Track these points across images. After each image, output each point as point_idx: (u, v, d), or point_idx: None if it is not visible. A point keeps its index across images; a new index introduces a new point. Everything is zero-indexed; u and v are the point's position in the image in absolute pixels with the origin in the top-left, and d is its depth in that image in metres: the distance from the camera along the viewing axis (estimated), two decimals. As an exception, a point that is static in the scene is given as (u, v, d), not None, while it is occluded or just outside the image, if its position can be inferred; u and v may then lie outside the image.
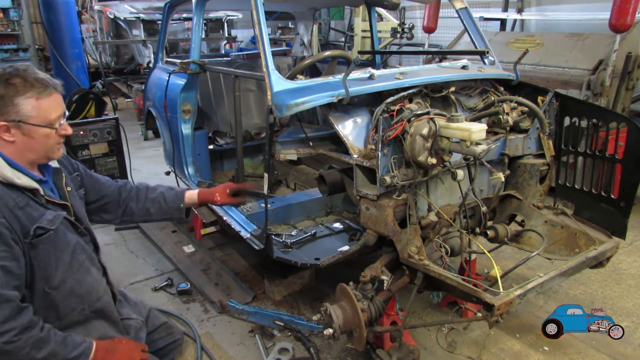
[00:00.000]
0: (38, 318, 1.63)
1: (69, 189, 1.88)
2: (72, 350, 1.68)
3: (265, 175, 2.61)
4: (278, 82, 2.38)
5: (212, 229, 3.89)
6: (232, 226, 2.91)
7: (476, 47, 3.13)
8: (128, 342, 1.89)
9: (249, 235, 2.78)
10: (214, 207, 3.22)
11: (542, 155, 2.68)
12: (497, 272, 2.03)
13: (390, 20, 8.50)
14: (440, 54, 5.10)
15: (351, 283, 2.21)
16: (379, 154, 2.09)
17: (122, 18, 7.60)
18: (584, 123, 2.60)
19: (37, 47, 10.10)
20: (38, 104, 1.64)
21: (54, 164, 1.88)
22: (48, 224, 1.68)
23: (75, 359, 1.68)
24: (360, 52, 6.13)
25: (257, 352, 2.62)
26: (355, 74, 2.47)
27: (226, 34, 8.49)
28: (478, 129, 1.95)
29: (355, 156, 2.27)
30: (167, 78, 3.56)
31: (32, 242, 1.64)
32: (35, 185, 1.69)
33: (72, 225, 1.83)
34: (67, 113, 1.79)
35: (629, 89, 4.42)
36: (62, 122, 1.73)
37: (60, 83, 1.75)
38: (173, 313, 2.92)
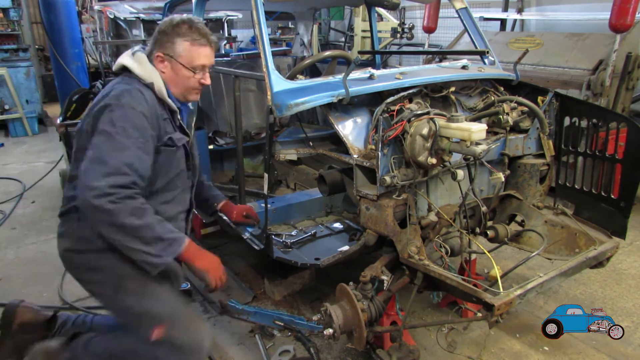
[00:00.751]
0: (140, 194, 1.81)
1: (193, 127, 2.24)
2: (169, 233, 1.84)
3: (265, 175, 2.61)
4: (278, 82, 2.38)
5: (212, 229, 3.88)
6: (232, 226, 2.91)
7: (476, 47, 3.13)
8: (213, 255, 2.05)
9: (249, 235, 2.78)
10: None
11: (542, 155, 2.68)
12: (497, 272, 2.03)
13: (390, 20, 8.50)
14: (440, 54, 5.10)
15: (351, 283, 2.21)
16: (379, 154, 2.09)
17: (122, 18, 7.58)
18: (584, 123, 2.60)
19: (37, 47, 10.12)
20: (190, 48, 1.96)
21: (191, 105, 2.21)
22: (177, 141, 2.01)
23: (169, 240, 1.83)
24: (360, 52, 6.12)
25: (257, 352, 2.62)
26: (355, 74, 2.47)
27: (226, 34, 8.48)
28: (478, 129, 1.95)
29: (355, 156, 2.27)
30: (167, 78, 3.55)
31: (159, 147, 1.93)
32: (176, 108, 2.04)
33: (186, 155, 2.10)
34: (213, 66, 2.10)
35: (629, 89, 4.42)
36: (205, 72, 2.03)
37: (217, 42, 2.08)
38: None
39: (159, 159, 1.95)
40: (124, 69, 2.00)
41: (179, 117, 2.08)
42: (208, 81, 2.06)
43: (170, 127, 2.01)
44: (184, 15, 2.00)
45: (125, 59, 2.01)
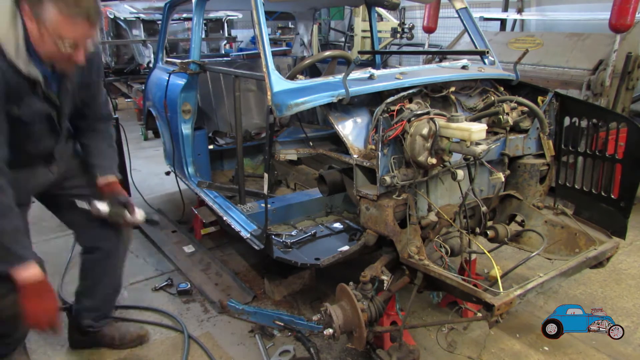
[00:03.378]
0: (7, 183, 1.62)
1: (70, 89, 1.88)
2: (17, 248, 1.64)
3: (265, 175, 2.61)
4: (278, 82, 2.38)
5: (212, 229, 3.89)
6: (232, 226, 2.92)
7: (476, 47, 3.13)
8: (53, 295, 1.80)
9: (249, 235, 2.78)
10: (214, 207, 3.22)
11: (542, 155, 2.68)
12: (497, 272, 2.03)
13: (390, 20, 8.50)
14: (440, 54, 5.10)
15: (351, 283, 2.21)
16: (379, 154, 2.09)
17: (122, 18, 7.60)
18: (584, 123, 2.60)
19: (37, 47, 10.10)
20: (58, 18, 1.59)
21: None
22: (24, 112, 1.71)
23: (13, 255, 1.63)
24: (360, 52, 6.13)
25: (257, 352, 2.62)
26: (355, 74, 2.47)
27: (226, 34, 8.48)
28: (478, 129, 1.95)
29: (355, 156, 2.27)
30: (167, 78, 3.56)
31: (8, 114, 1.67)
32: (36, 75, 1.69)
33: (51, 124, 1.86)
34: (95, 43, 1.79)
35: (629, 89, 4.42)
36: (79, 49, 1.68)
37: (100, 15, 1.72)
38: (167, 312, 2.93)
39: (9, 128, 1.69)
40: None
41: (42, 86, 1.74)
42: (80, 59, 1.70)
43: (25, 92, 1.70)
44: None
45: None
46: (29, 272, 1.66)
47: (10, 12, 1.60)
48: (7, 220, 1.61)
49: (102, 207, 2.14)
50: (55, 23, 1.60)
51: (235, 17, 8.66)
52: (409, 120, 2.09)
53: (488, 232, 2.57)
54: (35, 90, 1.72)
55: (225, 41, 8.49)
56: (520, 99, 2.58)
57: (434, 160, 2.07)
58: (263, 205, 2.66)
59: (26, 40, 1.64)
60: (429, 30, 5.88)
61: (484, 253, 2.23)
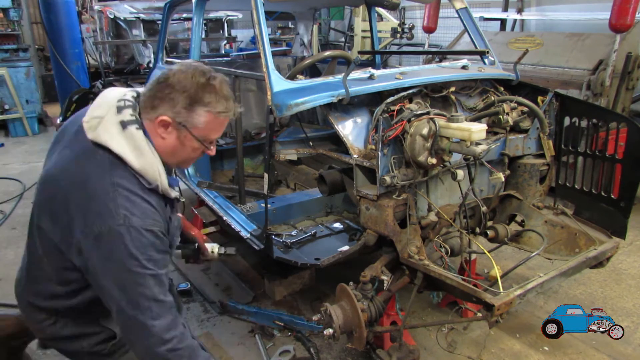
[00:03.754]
0: (184, 326, 1.58)
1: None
2: None
3: (265, 175, 2.61)
4: (278, 82, 2.38)
5: (212, 229, 3.88)
6: (232, 226, 2.91)
7: (476, 47, 3.13)
8: None
9: (248, 235, 2.78)
10: (214, 207, 3.22)
11: (542, 155, 2.68)
12: (497, 272, 2.03)
13: (390, 20, 8.49)
14: (440, 54, 5.10)
15: (351, 283, 2.21)
16: (379, 154, 2.09)
17: (122, 18, 7.58)
18: (584, 123, 2.60)
19: (37, 47, 10.11)
20: (212, 121, 1.53)
21: None
22: (176, 234, 1.70)
23: None
24: (360, 52, 6.13)
25: (257, 352, 2.62)
26: (355, 74, 2.47)
27: (226, 34, 8.48)
28: (478, 129, 1.95)
29: (355, 156, 2.27)
30: (167, 78, 3.54)
31: None
32: (178, 194, 1.63)
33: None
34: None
35: (629, 89, 4.42)
36: (213, 143, 1.63)
37: (239, 107, 1.64)
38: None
39: None
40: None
41: (180, 200, 1.70)
42: (213, 152, 1.66)
43: (169, 216, 1.64)
44: (212, 72, 1.53)
45: (112, 138, 1.47)
46: None
47: (149, 146, 1.51)
48: (199, 354, 1.58)
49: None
50: (208, 125, 1.53)
51: (235, 17, 8.65)
52: (409, 120, 2.09)
53: (488, 232, 2.57)
54: (172, 206, 1.65)
55: (225, 41, 8.48)
56: (520, 99, 2.58)
57: (434, 160, 2.07)
58: (263, 205, 2.66)
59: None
60: (429, 30, 5.88)
61: (484, 253, 2.23)
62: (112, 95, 1.56)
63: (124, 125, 1.48)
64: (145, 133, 1.51)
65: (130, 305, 1.45)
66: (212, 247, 2.32)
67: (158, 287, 1.48)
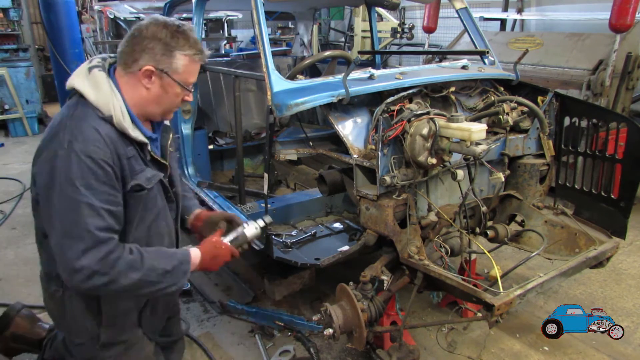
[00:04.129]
0: (123, 247, 1.59)
1: (171, 149, 1.89)
2: (171, 261, 1.68)
3: (265, 175, 2.61)
4: (278, 82, 2.38)
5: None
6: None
7: (476, 47, 3.13)
8: (224, 245, 1.93)
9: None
10: (214, 207, 3.21)
11: (542, 155, 2.68)
12: (497, 272, 2.03)
13: (390, 20, 8.49)
14: (440, 54, 5.10)
15: (351, 283, 2.21)
16: (379, 154, 2.09)
17: (122, 18, 7.59)
18: (584, 123, 2.60)
19: (37, 47, 10.11)
20: (189, 64, 1.66)
21: (166, 122, 1.88)
22: (145, 182, 1.68)
23: (175, 268, 1.68)
24: (360, 52, 6.13)
25: (257, 352, 2.62)
26: (355, 74, 2.47)
27: (226, 34, 8.48)
28: (478, 129, 1.95)
29: (355, 156, 2.27)
30: (167, 78, 3.55)
31: (126, 194, 1.63)
32: (144, 140, 1.69)
33: (163, 188, 1.81)
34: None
35: (629, 89, 4.42)
36: (191, 89, 1.74)
37: (208, 53, 1.77)
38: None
39: (129, 208, 1.66)
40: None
41: (149, 148, 1.72)
42: (191, 98, 1.79)
43: (139, 165, 1.68)
44: (176, 21, 1.67)
45: (77, 79, 1.63)
46: (194, 259, 1.78)
47: (108, 83, 1.63)
48: (144, 261, 1.62)
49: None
50: (187, 68, 1.67)
51: (235, 17, 8.65)
52: (409, 120, 2.09)
53: (488, 232, 2.57)
54: (143, 154, 1.71)
55: (225, 41, 8.48)
56: (520, 99, 2.58)
57: (434, 160, 2.07)
58: (263, 205, 2.66)
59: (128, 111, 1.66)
60: (429, 30, 5.88)
61: (484, 253, 2.23)
62: (82, 66, 1.71)
63: (90, 69, 1.64)
64: (111, 76, 1.66)
65: (62, 232, 1.51)
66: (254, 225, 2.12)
67: (93, 219, 1.51)
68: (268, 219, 2.15)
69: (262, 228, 2.11)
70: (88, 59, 1.75)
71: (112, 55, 1.74)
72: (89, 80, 1.62)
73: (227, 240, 1.99)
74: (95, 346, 1.79)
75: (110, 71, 1.69)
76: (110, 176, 1.56)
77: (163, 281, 1.65)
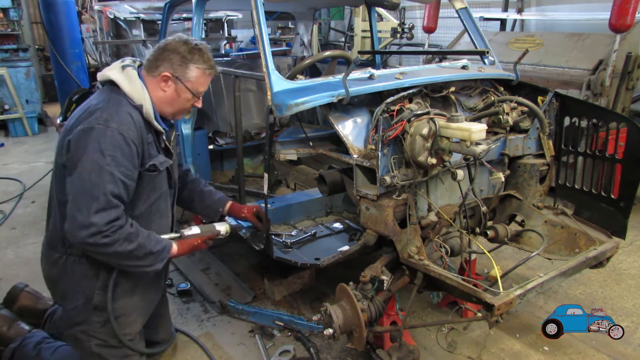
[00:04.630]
0: (126, 218, 1.87)
1: (173, 144, 2.18)
2: (157, 245, 1.97)
3: (265, 175, 2.61)
4: (278, 82, 2.38)
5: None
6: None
7: (476, 47, 3.13)
8: (195, 244, 2.22)
9: (249, 235, 2.78)
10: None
11: (542, 155, 2.68)
12: (497, 272, 2.03)
13: (390, 20, 8.49)
14: (440, 54, 5.10)
15: (351, 283, 2.21)
16: (379, 154, 2.09)
17: (122, 18, 7.58)
18: (584, 123, 2.60)
19: (37, 47, 10.10)
20: (201, 76, 2.01)
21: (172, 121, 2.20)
22: (159, 165, 2.00)
23: (159, 252, 1.97)
24: (360, 52, 6.13)
25: (257, 352, 2.62)
26: (355, 74, 2.47)
27: (226, 34, 8.47)
28: (478, 129, 1.95)
29: (355, 156, 2.27)
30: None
31: (142, 173, 1.93)
32: (162, 129, 2.03)
33: (168, 174, 2.12)
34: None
35: (629, 89, 4.42)
36: (200, 97, 2.09)
37: (219, 70, 2.15)
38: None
39: (141, 184, 1.95)
40: (111, 82, 1.96)
41: (164, 137, 2.07)
42: (200, 104, 2.12)
43: (154, 150, 2.00)
44: (196, 41, 2.01)
45: (113, 73, 1.96)
46: (173, 251, 2.07)
47: (139, 80, 1.96)
48: (139, 237, 1.89)
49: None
50: (198, 79, 2.01)
51: (235, 17, 8.65)
52: (409, 120, 2.09)
53: (488, 232, 2.57)
54: (159, 142, 2.04)
55: (225, 41, 8.48)
56: (520, 99, 2.58)
57: (434, 160, 2.07)
58: (263, 205, 2.66)
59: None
60: (429, 30, 5.88)
61: (484, 253, 2.23)
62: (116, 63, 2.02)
63: (123, 67, 1.98)
64: (139, 76, 1.97)
65: (82, 190, 1.78)
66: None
67: (111, 185, 1.79)
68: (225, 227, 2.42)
69: (231, 227, 2.43)
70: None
71: (138, 59, 2.07)
72: (123, 74, 1.95)
73: (198, 228, 2.30)
74: (87, 309, 2.01)
75: (139, 71, 2.00)
76: (134, 154, 1.86)
77: (145, 260, 1.93)
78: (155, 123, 1.98)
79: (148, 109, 1.94)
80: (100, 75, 1.99)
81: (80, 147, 1.80)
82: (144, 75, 1.99)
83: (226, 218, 2.57)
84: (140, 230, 1.91)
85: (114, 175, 1.79)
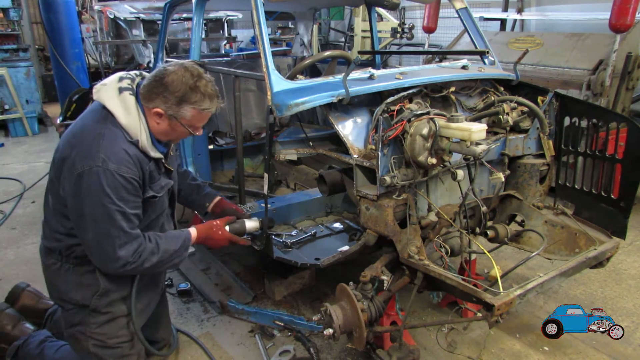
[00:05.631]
0: (144, 237, 1.95)
1: (172, 153, 2.18)
2: (177, 242, 2.05)
3: (265, 175, 2.61)
4: (278, 82, 2.38)
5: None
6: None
7: (476, 47, 3.13)
8: (221, 230, 2.28)
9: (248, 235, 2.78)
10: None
11: (542, 155, 2.68)
12: (497, 272, 2.03)
13: (390, 20, 8.49)
14: (440, 54, 5.10)
15: (351, 283, 2.21)
16: (379, 154, 2.09)
17: (122, 18, 7.59)
18: (584, 123, 2.60)
19: (37, 47, 10.11)
20: (197, 115, 1.92)
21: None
22: (158, 191, 2.01)
23: (181, 247, 2.06)
24: (360, 52, 6.13)
25: (257, 352, 2.62)
26: (355, 74, 2.47)
27: (226, 34, 8.48)
28: (478, 129, 1.95)
29: (355, 156, 2.27)
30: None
31: (144, 199, 1.96)
32: (161, 157, 2.00)
33: (170, 195, 2.18)
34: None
35: (629, 89, 4.42)
36: (200, 127, 2.03)
37: (222, 103, 2.01)
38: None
39: (143, 207, 1.98)
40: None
41: (163, 161, 2.04)
42: (200, 133, 2.06)
43: (156, 175, 2.00)
44: (197, 74, 1.88)
45: (110, 98, 1.87)
46: (192, 236, 2.17)
47: (136, 108, 1.89)
48: (161, 247, 1.99)
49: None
50: (194, 118, 1.93)
51: (235, 17, 8.65)
52: (409, 120, 2.09)
53: (488, 232, 2.57)
54: (159, 167, 2.02)
55: (225, 41, 8.48)
56: (520, 99, 2.58)
57: (434, 160, 2.07)
58: (263, 205, 2.66)
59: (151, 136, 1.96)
60: (429, 30, 5.88)
61: (484, 253, 2.23)
62: (119, 73, 1.98)
63: (120, 90, 1.88)
64: (137, 100, 1.90)
65: (99, 233, 1.83)
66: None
67: (125, 222, 1.85)
68: (270, 220, 2.49)
69: (261, 222, 2.46)
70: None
71: (138, 74, 2.00)
72: (119, 102, 1.87)
73: (227, 227, 2.33)
74: (84, 311, 2.05)
75: (137, 91, 1.92)
76: (137, 188, 1.88)
77: (173, 258, 2.04)
78: (153, 154, 1.94)
79: (144, 143, 1.89)
80: (96, 95, 1.91)
81: (83, 190, 1.80)
82: (141, 99, 1.91)
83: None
84: (157, 239, 1.99)
85: (125, 213, 1.85)
